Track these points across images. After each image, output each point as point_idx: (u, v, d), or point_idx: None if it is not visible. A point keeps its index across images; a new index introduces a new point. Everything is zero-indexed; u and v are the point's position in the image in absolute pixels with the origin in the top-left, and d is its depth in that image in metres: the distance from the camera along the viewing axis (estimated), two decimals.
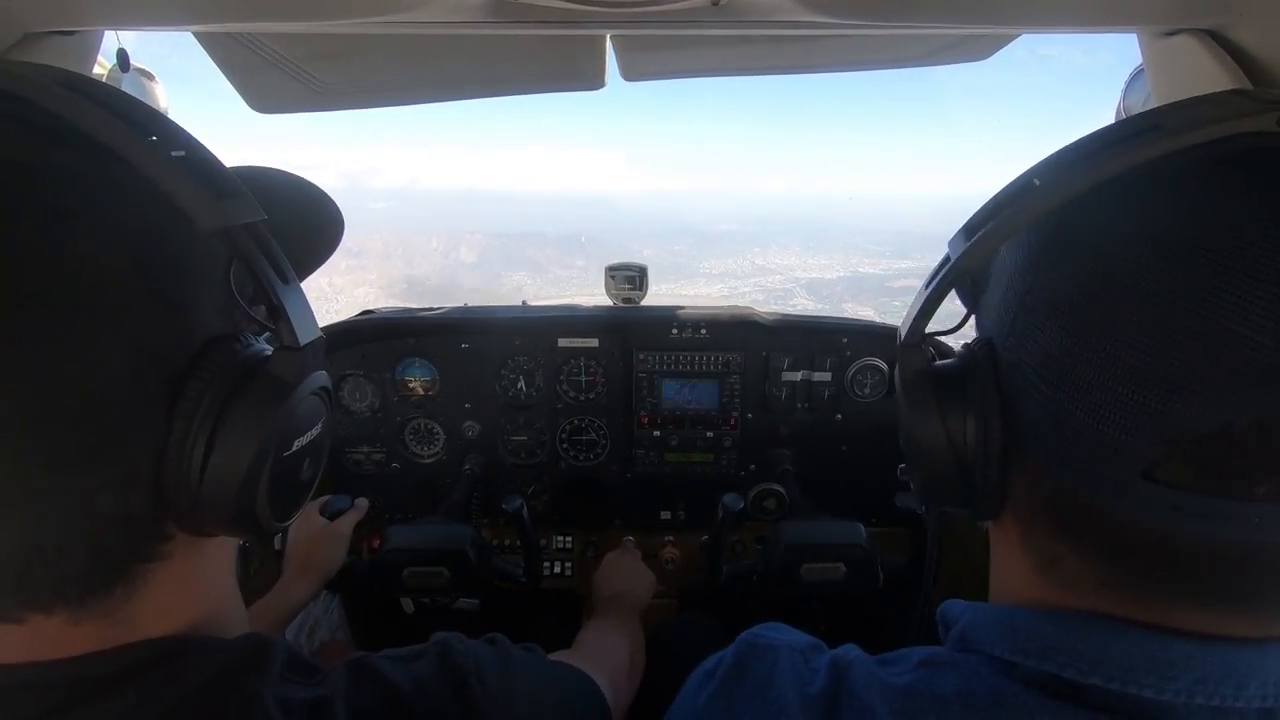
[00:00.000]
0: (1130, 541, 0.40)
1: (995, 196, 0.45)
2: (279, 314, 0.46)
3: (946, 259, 0.47)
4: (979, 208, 0.46)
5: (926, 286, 0.49)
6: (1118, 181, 0.40)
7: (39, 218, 0.38)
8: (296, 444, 0.48)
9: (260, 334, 0.49)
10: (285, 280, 0.46)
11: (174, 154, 0.42)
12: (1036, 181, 0.42)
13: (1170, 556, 0.39)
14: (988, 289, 0.49)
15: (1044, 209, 0.41)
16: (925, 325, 0.50)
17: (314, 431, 0.50)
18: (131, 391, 0.40)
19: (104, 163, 0.40)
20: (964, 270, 0.46)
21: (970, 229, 0.45)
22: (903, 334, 0.51)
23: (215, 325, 0.45)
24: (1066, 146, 0.43)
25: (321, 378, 0.50)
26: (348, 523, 1.31)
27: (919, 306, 0.49)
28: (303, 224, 0.66)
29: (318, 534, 1.27)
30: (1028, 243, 0.45)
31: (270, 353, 0.47)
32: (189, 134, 0.45)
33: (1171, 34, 0.89)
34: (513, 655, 0.62)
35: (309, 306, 0.49)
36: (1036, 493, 0.45)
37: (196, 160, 0.43)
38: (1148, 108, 1.06)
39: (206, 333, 0.44)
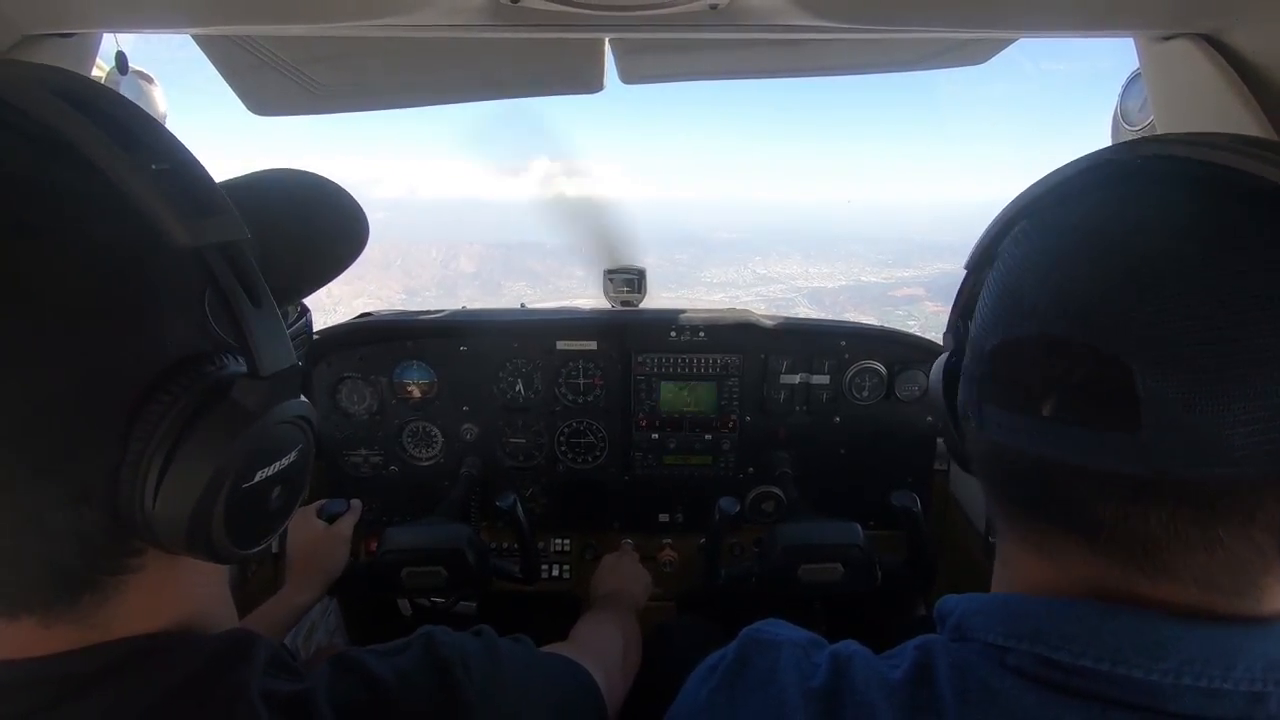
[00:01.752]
0: (995, 465, 0.49)
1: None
2: (243, 340, 0.44)
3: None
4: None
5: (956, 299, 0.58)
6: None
7: None
8: (260, 474, 0.46)
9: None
10: (258, 304, 0.44)
11: (155, 167, 0.41)
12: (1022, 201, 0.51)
13: (1019, 476, 0.46)
14: None
15: (1008, 219, 0.51)
16: (955, 318, 0.57)
17: (283, 462, 0.48)
18: (84, 410, 0.39)
19: (78, 174, 0.39)
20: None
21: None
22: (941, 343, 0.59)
23: (188, 346, 0.44)
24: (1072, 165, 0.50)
25: (296, 407, 0.48)
26: (347, 524, 1.31)
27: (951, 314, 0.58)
28: (326, 229, 0.65)
29: (318, 537, 1.27)
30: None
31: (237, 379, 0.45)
32: (179, 144, 0.44)
33: (1168, 38, 0.90)
34: (499, 646, 0.62)
35: (283, 332, 0.47)
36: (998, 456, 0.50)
37: (178, 174, 0.42)
38: (1145, 112, 1.06)
39: (176, 354, 0.43)
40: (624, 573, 1.47)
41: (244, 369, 0.45)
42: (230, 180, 0.60)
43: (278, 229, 0.58)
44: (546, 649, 0.74)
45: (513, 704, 0.58)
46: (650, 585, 1.49)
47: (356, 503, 1.38)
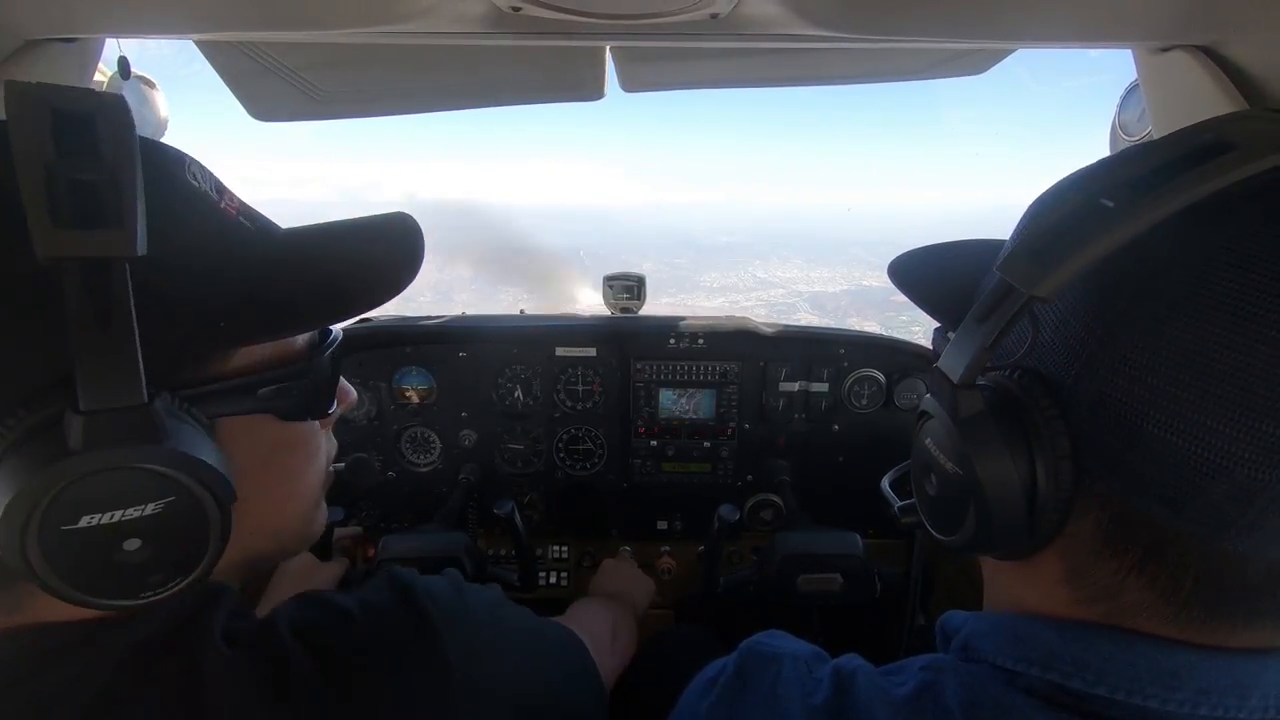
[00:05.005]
0: (1230, 575, 0.40)
1: (1049, 215, 0.42)
2: (73, 369, 0.39)
3: (1006, 289, 0.42)
4: (1033, 231, 0.42)
5: (981, 320, 0.43)
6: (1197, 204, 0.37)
7: None
8: (87, 520, 0.42)
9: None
10: (104, 330, 0.39)
11: (76, 177, 0.38)
12: (1108, 203, 0.39)
13: (1270, 587, 0.40)
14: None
15: (1127, 235, 0.38)
16: (985, 363, 0.44)
17: (130, 512, 0.43)
18: None
19: None
20: (1036, 301, 0.40)
21: (1041, 256, 0.40)
22: (954, 373, 0.45)
23: (52, 370, 0.41)
24: (1125, 163, 0.41)
25: (157, 455, 0.43)
26: (336, 569, 1.30)
27: (976, 343, 0.43)
28: (379, 259, 0.61)
29: (310, 567, 1.27)
30: (1092, 273, 0.41)
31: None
32: (124, 150, 0.41)
33: (1166, 49, 0.90)
34: (465, 584, 0.61)
35: (131, 369, 0.41)
36: (1116, 531, 0.42)
37: (89, 179, 0.39)
38: (1143, 123, 1.06)
39: (50, 375, 0.41)
40: (623, 576, 1.48)
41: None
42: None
43: (340, 250, 0.59)
44: None
45: (483, 637, 0.57)
46: (651, 591, 1.48)
47: (345, 560, 1.36)
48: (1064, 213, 0.41)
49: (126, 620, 0.46)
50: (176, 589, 0.46)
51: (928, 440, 0.49)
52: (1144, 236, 0.38)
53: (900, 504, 0.67)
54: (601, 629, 1.04)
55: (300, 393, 0.56)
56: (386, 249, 0.61)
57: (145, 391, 0.41)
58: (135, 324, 0.40)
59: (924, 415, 0.50)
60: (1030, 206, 0.52)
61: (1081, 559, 0.45)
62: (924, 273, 0.66)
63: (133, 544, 0.44)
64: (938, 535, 0.52)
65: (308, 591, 0.54)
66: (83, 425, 0.40)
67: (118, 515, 0.42)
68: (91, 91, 0.42)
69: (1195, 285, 0.37)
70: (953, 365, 0.45)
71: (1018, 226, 0.53)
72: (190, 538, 0.46)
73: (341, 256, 0.59)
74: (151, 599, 0.45)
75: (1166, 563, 0.41)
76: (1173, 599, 0.42)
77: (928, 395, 0.49)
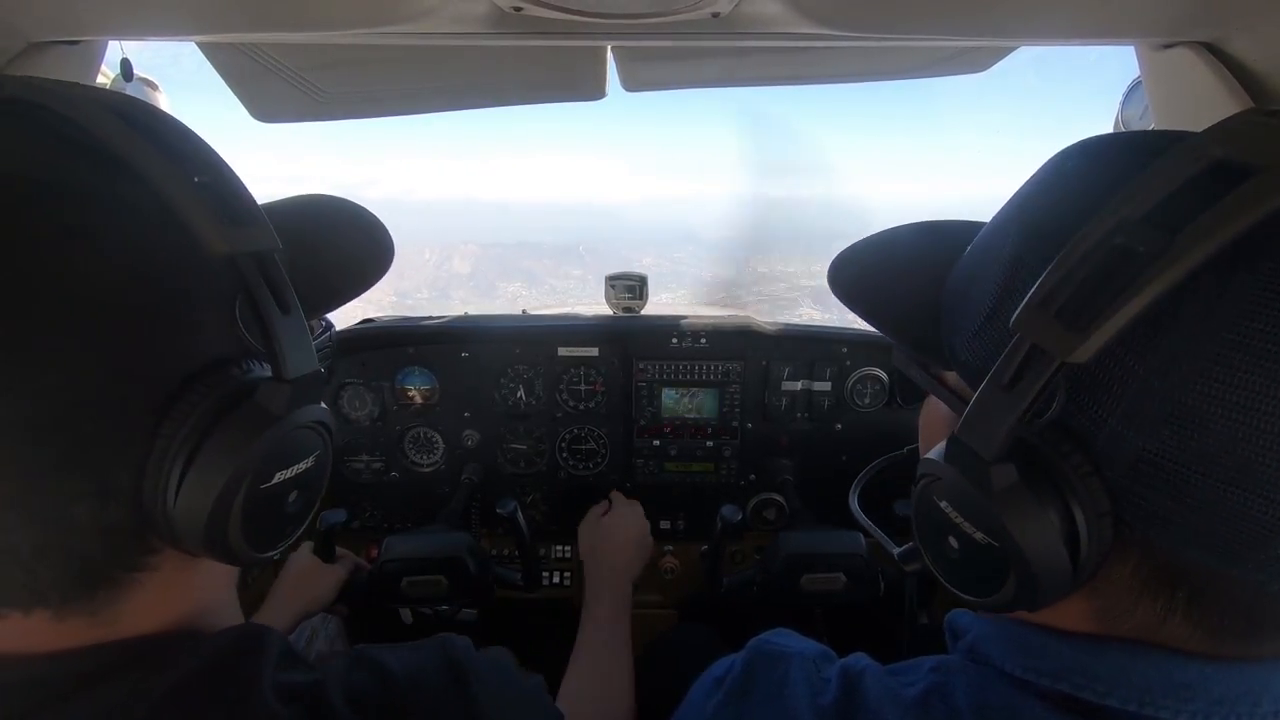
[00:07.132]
0: (1277, 610, 0.40)
1: (1060, 250, 0.38)
2: (271, 345, 0.46)
3: (1033, 351, 0.38)
4: (1047, 277, 0.38)
5: (1007, 387, 0.39)
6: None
7: (49, 233, 0.39)
8: (279, 476, 0.48)
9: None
10: (286, 311, 0.47)
11: (197, 179, 0.43)
12: (1139, 249, 0.35)
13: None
14: None
15: (1165, 286, 0.34)
16: (1014, 434, 0.40)
17: (302, 465, 0.50)
18: (114, 406, 0.41)
19: (124, 183, 0.42)
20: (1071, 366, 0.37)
21: (1070, 316, 0.36)
22: (983, 446, 0.41)
23: (218, 350, 0.46)
24: (1134, 188, 0.36)
25: (316, 412, 0.50)
26: (341, 570, 1.31)
27: (1007, 413, 0.39)
28: (351, 250, 0.68)
29: (314, 568, 1.28)
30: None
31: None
32: (220, 159, 0.46)
33: (1169, 46, 0.90)
34: (515, 671, 0.62)
35: (308, 340, 0.49)
36: (1157, 575, 0.41)
37: (217, 187, 0.44)
38: (1146, 119, 1.06)
39: (206, 357, 0.45)
40: (616, 539, 1.39)
41: (269, 373, 0.47)
42: (271, 202, 0.64)
43: (306, 246, 0.62)
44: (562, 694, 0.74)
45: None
46: (648, 543, 1.43)
47: (349, 559, 1.36)
48: (1082, 257, 0.37)
49: (165, 652, 0.46)
50: (295, 538, 0.53)
51: (944, 504, 0.46)
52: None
53: (899, 550, 0.67)
54: (623, 691, 1.04)
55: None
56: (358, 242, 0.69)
57: (318, 360, 0.49)
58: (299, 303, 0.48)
59: (930, 477, 0.47)
60: (1024, 213, 0.47)
61: (1116, 599, 0.43)
62: (865, 283, 0.63)
63: (293, 495, 0.50)
64: (965, 597, 0.48)
65: (362, 649, 0.55)
66: (288, 392, 0.46)
67: (294, 470, 0.49)
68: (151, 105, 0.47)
69: (1243, 331, 0.34)
70: (979, 437, 0.41)
71: (1007, 232, 0.47)
72: (318, 487, 0.53)
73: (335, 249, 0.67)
74: (280, 549, 0.52)
75: (1214, 604, 0.40)
76: (1215, 633, 0.41)
77: (934, 457, 0.45)
